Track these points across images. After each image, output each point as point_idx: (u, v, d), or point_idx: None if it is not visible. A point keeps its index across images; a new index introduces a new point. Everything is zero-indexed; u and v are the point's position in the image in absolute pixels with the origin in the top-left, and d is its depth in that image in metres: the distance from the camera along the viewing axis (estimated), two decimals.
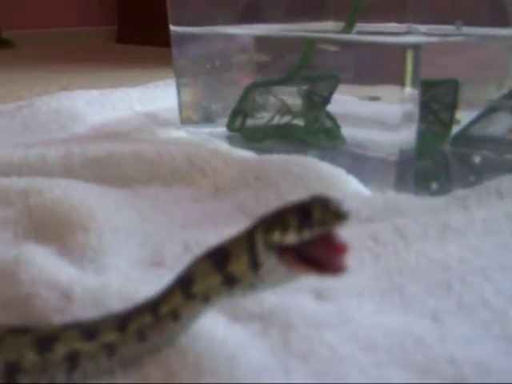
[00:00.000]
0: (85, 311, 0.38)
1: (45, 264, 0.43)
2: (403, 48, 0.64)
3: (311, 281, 0.43)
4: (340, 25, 0.80)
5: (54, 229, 0.52)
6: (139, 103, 1.11)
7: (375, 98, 0.75)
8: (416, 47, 0.64)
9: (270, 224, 0.33)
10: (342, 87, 0.79)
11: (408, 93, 0.66)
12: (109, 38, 2.86)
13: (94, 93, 1.12)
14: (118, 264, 0.47)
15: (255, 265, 0.33)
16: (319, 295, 0.42)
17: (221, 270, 0.34)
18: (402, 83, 0.64)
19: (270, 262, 0.33)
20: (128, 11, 2.79)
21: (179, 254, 0.49)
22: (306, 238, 0.31)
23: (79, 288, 0.40)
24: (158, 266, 0.47)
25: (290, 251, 0.32)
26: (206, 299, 0.35)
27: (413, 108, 0.64)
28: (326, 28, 0.86)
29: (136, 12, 2.73)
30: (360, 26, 0.76)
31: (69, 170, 0.67)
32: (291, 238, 0.32)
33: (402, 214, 0.56)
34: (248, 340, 0.36)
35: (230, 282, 0.34)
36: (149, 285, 0.41)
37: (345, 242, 0.32)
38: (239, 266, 0.34)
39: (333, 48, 0.74)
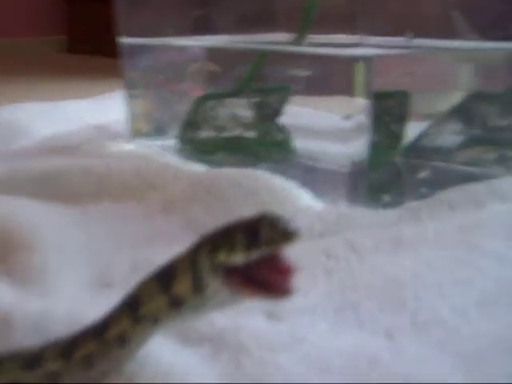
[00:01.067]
0: (26, 338, 0.37)
1: None
2: (354, 60, 0.64)
3: (262, 302, 0.42)
4: (291, 36, 0.80)
5: None
6: (90, 115, 1.09)
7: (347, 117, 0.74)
8: (367, 59, 0.63)
9: (216, 243, 0.31)
10: (294, 98, 0.79)
11: (359, 104, 0.66)
12: (59, 47, 2.82)
13: (42, 105, 1.09)
14: (64, 286, 0.45)
15: (199, 286, 0.32)
16: (271, 315, 0.41)
17: (166, 291, 0.33)
18: (353, 94, 0.64)
19: (215, 283, 0.32)
20: (78, 20, 2.76)
21: (128, 274, 0.47)
22: (253, 258, 0.30)
23: (20, 313, 0.38)
24: (105, 287, 0.46)
25: (236, 272, 0.31)
26: (155, 321, 0.33)
27: (364, 119, 0.64)
28: (277, 39, 0.85)
29: (86, 21, 2.69)
30: (311, 38, 0.75)
31: (13, 186, 0.65)
32: (238, 258, 0.30)
33: (354, 227, 0.55)
34: (198, 364, 0.35)
35: (176, 303, 0.33)
36: (96, 308, 0.39)
37: (292, 264, 0.31)
38: (183, 287, 0.32)
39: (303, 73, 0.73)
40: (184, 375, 0.34)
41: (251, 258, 0.30)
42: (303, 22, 0.73)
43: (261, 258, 0.30)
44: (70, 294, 0.44)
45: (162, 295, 0.33)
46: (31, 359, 0.33)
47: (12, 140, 0.92)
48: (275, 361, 0.35)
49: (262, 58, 0.80)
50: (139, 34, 0.94)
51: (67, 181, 0.65)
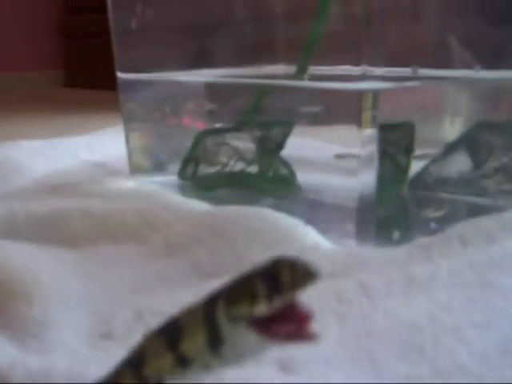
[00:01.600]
0: None
1: None
2: (360, 94, 0.62)
3: (274, 352, 0.40)
4: (291, 68, 0.79)
5: None
6: (87, 152, 1.07)
7: (342, 156, 0.73)
8: (374, 93, 0.62)
9: (234, 295, 0.30)
10: (296, 131, 0.77)
11: (367, 136, 0.64)
12: (56, 82, 2.82)
13: (38, 143, 1.08)
14: (65, 339, 0.43)
15: (215, 342, 0.30)
16: (284, 366, 0.39)
17: (173, 349, 0.31)
18: (360, 126, 0.62)
19: (233, 337, 0.30)
20: (75, 55, 2.76)
21: (130, 323, 0.45)
22: (277, 305, 0.28)
23: (20, 371, 0.36)
24: (107, 339, 0.44)
25: (255, 323, 0.29)
26: (158, 380, 0.31)
27: (372, 151, 0.62)
28: (277, 71, 0.84)
29: (83, 55, 2.70)
30: (313, 69, 0.74)
31: (10, 229, 0.63)
32: (262, 308, 0.29)
33: (364, 267, 0.53)
34: None
35: (184, 361, 0.31)
36: (98, 361, 0.37)
37: (309, 309, 0.29)
38: (193, 344, 0.30)
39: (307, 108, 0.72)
40: None
41: (274, 307, 0.28)
42: (305, 55, 0.72)
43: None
44: (71, 348, 0.42)
45: (168, 353, 0.31)
46: None
47: (8, 179, 0.91)
48: None
49: (264, 92, 0.78)
50: (137, 69, 0.92)
51: (66, 223, 0.63)
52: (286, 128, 0.78)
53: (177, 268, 0.55)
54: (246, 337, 0.29)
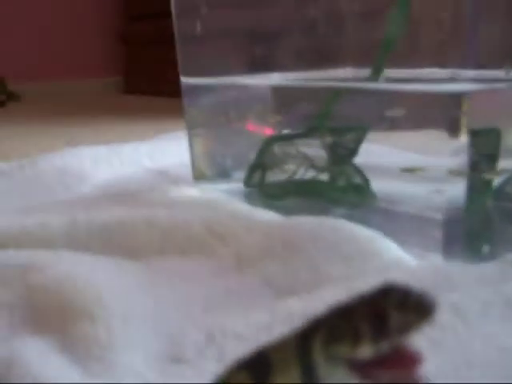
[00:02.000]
0: None
1: (42, 368, 0.35)
2: (452, 96, 0.57)
3: None
4: (359, 71, 0.74)
5: (55, 315, 0.45)
6: (149, 159, 1.04)
7: (410, 170, 0.68)
8: (466, 95, 0.57)
9: (335, 332, 0.25)
10: (372, 137, 0.72)
11: (458, 144, 0.59)
12: (116, 89, 2.83)
13: (101, 149, 1.06)
14: (131, 362, 0.39)
15: (309, 379, 0.26)
16: None
17: None
18: (452, 133, 0.57)
19: (330, 378, 0.25)
20: (136, 61, 2.76)
21: (202, 346, 0.41)
22: (383, 350, 0.24)
23: None
24: (178, 362, 0.40)
25: (356, 364, 0.25)
26: None
27: (462, 161, 0.57)
28: (345, 75, 0.79)
29: (144, 62, 2.69)
30: (388, 72, 0.69)
31: (73, 239, 0.60)
32: (365, 351, 0.24)
33: (454, 287, 0.48)
34: None
35: None
36: None
37: (418, 352, 0.25)
38: (287, 381, 0.26)
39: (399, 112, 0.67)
40: None
41: (380, 351, 0.24)
42: (382, 54, 0.67)
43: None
44: (138, 372, 0.38)
45: None
46: None
47: (70, 186, 0.89)
48: None
49: (336, 96, 0.74)
50: (201, 74, 0.89)
51: (130, 234, 0.60)
52: (359, 134, 0.73)
53: (248, 284, 0.51)
54: (345, 380, 0.25)
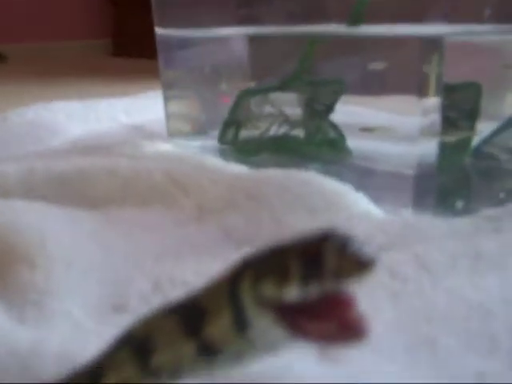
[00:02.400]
0: (6, 380, 0.28)
1: None
2: (425, 43, 0.54)
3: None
4: (342, 27, 0.71)
5: None
6: (125, 115, 1.01)
7: (370, 129, 0.66)
8: (438, 41, 0.54)
9: (261, 270, 0.23)
10: (346, 96, 0.70)
11: (430, 102, 0.56)
12: (104, 51, 2.78)
13: (76, 105, 1.02)
14: (68, 309, 0.37)
15: (241, 326, 0.23)
16: (324, 355, 0.32)
17: (194, 335, 0.24)
18: (422, 92, 0.55)
19: (259, 323, 0.23)
20: (124, 24, 2.71)
21: (147, 295, 0.39)
22: (312, 294, 0.21)
23: (3, 349, 0.30)
24: (118, 311, 0.37)
25: (287, 309, 0.22)
26: (173, 374, 0.25)
27: (435, 119, 0.55)
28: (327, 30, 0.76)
29: (133, 24, 2.64)
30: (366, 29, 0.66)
31: (29, 188, 0.57)
32: (292, 292, 0.22)
33: (423, 239, 0.46)
34: None
35: (208, 350, 0.24)
36: (101, 338, 0.31)
37: (351, 294, 0.22)
38: (218, 327, 0.24)
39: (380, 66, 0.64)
40: None
41: (308, 294, 0.21)
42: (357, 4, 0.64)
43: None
44: (74, 319, 0.36)
45: (188, 340, 0.24)
46: None
47: (42, 140, 0.86)
48: None
49: (312, 47, 0.71)
50: (177, 25, 0.86)
51: (90, 183, 0.57)
52: (336, 89, 0.70)
53: (208, 234, 0.49)
54: (273, 328, 0.22)
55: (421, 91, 0.56)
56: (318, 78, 0.73)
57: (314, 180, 0.55)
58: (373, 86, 0.67)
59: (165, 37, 0.86)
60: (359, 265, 0.21)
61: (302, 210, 0.51)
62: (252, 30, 0.81)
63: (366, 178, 0.63)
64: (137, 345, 0.25)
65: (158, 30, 0.85)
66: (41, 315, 0.36)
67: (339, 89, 0.70)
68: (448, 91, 0.60)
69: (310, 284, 0.21)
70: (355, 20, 0.64)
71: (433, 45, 0.54)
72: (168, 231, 0.50)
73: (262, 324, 0.23)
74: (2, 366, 0.29)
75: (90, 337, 0.32)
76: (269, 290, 0.22)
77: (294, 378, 0.29)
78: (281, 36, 0.78)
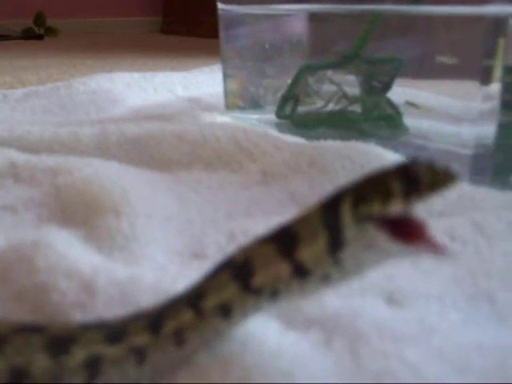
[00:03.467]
0: (109, 308, 0.32)
1: (66, 250, 0.36)
2: (489, 26, 0.56)
3: (380, 281, 0.36)
4: (400, 7, 0.73)
5: (81, 211, 0.46)
6: (182, 88, 1.05)
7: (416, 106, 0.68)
8: (504, 25, 0.56)
9: (365, 192, 0.26)
10: (405, 79, 0.72)
11: (492, 89, 0.58)
12: (153, 28, 2.82)
13: (135, 75, 1.06)
14: (152, 254, 0.40)
15: (336, 246, 0.26)
16: (391, 299, 0.35)
17: (288, 257, 0.27)
18: (485, 78, 0.56)
19: (359, 239, 0.26)
20: (174, 2, 2.74)
21: (223, 245, 0.42)
22: (413, 205, 0.25)
23: (104, 280, 0.33)
24: (197, 258, 0.40)
25: (384, 225, 0.26)
26: (273, 295, 0.28)
27: (495, 104, 0.57)
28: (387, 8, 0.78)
29: (181, 3, 2.67)
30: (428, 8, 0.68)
31: (103, 149, 0.61)
32: (397, 206, 0.25)
33: (479, 208, 0.48)
34: (308, 351, 0.29)
35: (301, 272, 0.27)
36: (187, 279, 0.34)
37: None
38: (312, 249, 0.27)
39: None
40: (293, 360, 0.28)
41: (412, 205, 0.25)
42: None
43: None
44: (159, 263, 0.39)
45: (283, 262, 0.27)
46: (114, 332, 0.28)
47: (103, 108, 0.89)
48: (400, 354, 0.29)
49: (373, 25, 0.73)
50: (239, 2, 0.88)
51: (159, 146, 0.60)
52: (395, 66, 0.72)
53: (273, 197, 0.52)
54: (375, 239, 0.26)
55: (483, 77, 0.58)
56: (376, 56, 0.75)
57: (373, 151, 0.57)
58: (432, 68, 0.69)
59: (226, 13, 0.88)
60: (448, 177, 0.24)
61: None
62: (312, 8, 0.83)
63: (420, 154, 0.65)
64: (236, 268, 0.28)
65: (221, 6, 0.88)
66: (128, 258, 0.39)
67: (397, 66, 0.72)
68: (507, 73, 0.62)
69: (411, 198, 0.25)
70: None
71: (497, 27, 0.56)
72: (235, 192, 0.53)
73: (363, 239, 0.26)
74: (105, 294, 0.32)
75: (176, 277, 0.35)
76: (374, 207, 0.25)
77: (363, 318, 0.32)
78: (340, 13, 0.80)
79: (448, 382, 0.27)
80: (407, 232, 0.25)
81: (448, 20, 0.63)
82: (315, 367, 0.28)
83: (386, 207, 0.25)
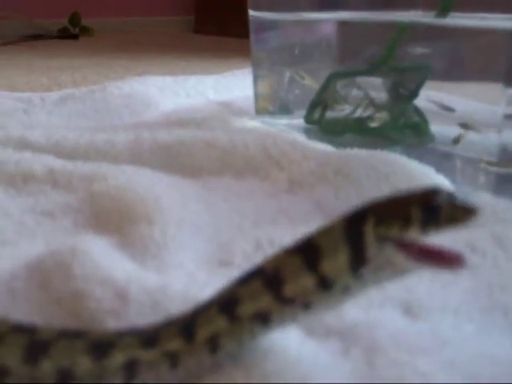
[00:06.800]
0: (141, 314, 0.34)
1: (102, 258, 0.39)
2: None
3: (398, 293, 0.38)
4: (429, 15, 0.74)
5: (116, 218, 0.48)
6: (214, 91, 1.07)
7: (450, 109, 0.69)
8: None
9: (387, 215, 0.28)
10: (431, 82, 0.73)
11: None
12: (186, 28, 2.84)
13: (168, 79, 1.08)
14: (182, 261, 0.42)
15: (358, 262, 0.28)
16: (408, 311, 0.36)
17: (313, 270, 0.29)
18: (509, 81, 0.58)
19: (379, 257, 0.28)
20: (206, 2, 2.77)
21: (250, 253, 0.44)
22: (429, 235, 0.27)
23: (136, 288, 0.35)
24: (225, 266, 0.42)
25: (403, 244, 0.28)
26: (305, 306, 0.29)
27: None
28: (414, 17, 0.79)
29: (214, 3, 2.70)
30: (455, 16, 0.69)
31: (137, 156, 0.63)
32: (413, 234, 0.27)
33: (501, 220, 0.49)
34: (326, 360, 0.31)
35: (325, 284, 0.29)
36: (214, 287, 0.36)
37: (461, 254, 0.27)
38: (334, 264, 0.28)
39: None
40: (312, 367, 0.30)
41: (428, 235, 0.26)
42: None
43: None
44: (189, 271, 0.41)
45: (309, 274, 0.29)
46: (148, 337, 0.30)
47: (136, 112, 0.92)
48: (414, 364, 0.31)
49: (401, 33, 0.74)
50: (269, 9, 0.90)
51: (190, 153, 0.62)
52: (422, 74, 0.74)
53: (300, 205, 0.53)
54: (393, 257, 0.27)
55: (507, 80, 0.59)
56: (403, 64, 0.76)
57: (398, 160, 0.58)
58: (458, 73, 0.70)
59: (257, 19, 0.90)
60: (468, 213, 0.26)
61: (386, 187, 0.55)
62: (342, 15, 0.84)
63: (446, 162, 0.67)
64: (267, 278, 0.30)
65: (252, 13, 0.90)
66: (159, 265, 0.41)
67: (424, 74, 0.73)
68: None
69: (428, 228, 0.26)
70: (444, 9, 0.67)
71: None
72: (262, 201, 0.55)
73: (382, 257, 0.28)
74: (137, 301, 0.34)
75: (204, 284, 0.37)
76: (392, 231, 0.27)
77: (380, 328, 0.34)
78: (369, 22, 0.81)
79: None
80: (424, 251, 0.27)
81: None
82: (333, 375, 0.30)
83: (403, 233, 0.27)
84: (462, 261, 0.27)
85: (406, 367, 0.31)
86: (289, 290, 0.29)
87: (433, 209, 0.27)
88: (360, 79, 0.80)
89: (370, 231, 0.28)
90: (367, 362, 0.31)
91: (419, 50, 0.74)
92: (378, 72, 0.77)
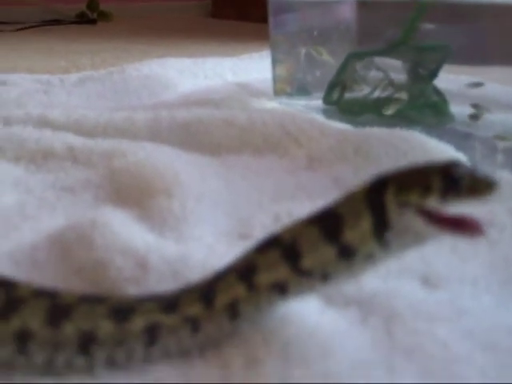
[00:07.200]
0: (161, 283, 0.34)
1: (122, 229, 0.39)
2: None
3: (417, 265, 0.38)
4: None
5: (135, 193, 0.49)
6: (231, 73, 1.07)
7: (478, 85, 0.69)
8: None
9: (407, 183, 0.28)
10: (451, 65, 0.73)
11: None
12: (203, 12, 2.84)
13: (186, 61, 1.09)
14: (201, 234, 0.42)
15: (381, 228, 0.28)
16: (426, 282, 0.37)
17: (334, 240, 0.29)
18: None
19: (401, 223, 0.28)
20: None
21: (269, 226, 0.44)
22: (449, 205, 0.27)
23: (156, 257, 0.36)
24: (244, 238, 0.43)
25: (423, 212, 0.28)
26: (324, 277, 0.30)
27: None
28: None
29: None
30: None
31: (155, 133, 0.63)
32: (433, 202, 0.27)
33: None
34: (345, 328, 0.31)
35: (347, 253, 0.29)
36: (233, 258, 0.36)
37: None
38: (358, 231, 0.29)
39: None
40: (331, 335, 0.30)
41: (448, 204, 0.27)
42: None
43: None
44: (208, 243, 0.41)
45: (328, 245, 0.29)
46: (169, 303, 0.30)
47: (155, 93, 0.92)
48: (433, 333, 0.31)
49: (420, 13, 0.74)
50: None
51: (209, 131, 0.62)
52: (442, 54, 0.73)
53: (318, 182, 0.53)
54: (414, 223, 0.27)
55: None
56: (423, 44, 0.76)
57: (417, 138, 0.58)
58: (479, 55, 0.70)
59: (276, 1, 0.90)
60: (488, 185, 0.26)
61: (405, 164, 0.54)
62: None
63: (465, 141, 0.66)
64: (285, 248, 0.30)
65: None
66: (178, 237, 0.42)
67: (444, 54, 0.73)
68: None
69: (449, 197, 0.27)
70: None
71: None
72: (281, 178, 0.55)
73: (403, 223, 0.28)
74: (157, 270, 0.35)
75: (223, 255, 0.38)
76: (413, 198, 0.27)
77: (398, 298, 0.34)
78: (388, 2, 0.81)
79: (475, 359, 0.29)
80: (444, 218, 0.27)
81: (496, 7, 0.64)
82: (351, 343, 0.30)
83: (423, 200, 0.27)
84: (482, 229, 0.27)
85: (424, 336, 0.31)
86: (307, 262, 0.29)
87: (453, 179, 0.27)
88: (379, 60, 0.79)
89: (391, 198, 0.28)
90: (386, 331, 0.31)
91: (441, 28, 0.73)
92: (397, 52, 0.77)
